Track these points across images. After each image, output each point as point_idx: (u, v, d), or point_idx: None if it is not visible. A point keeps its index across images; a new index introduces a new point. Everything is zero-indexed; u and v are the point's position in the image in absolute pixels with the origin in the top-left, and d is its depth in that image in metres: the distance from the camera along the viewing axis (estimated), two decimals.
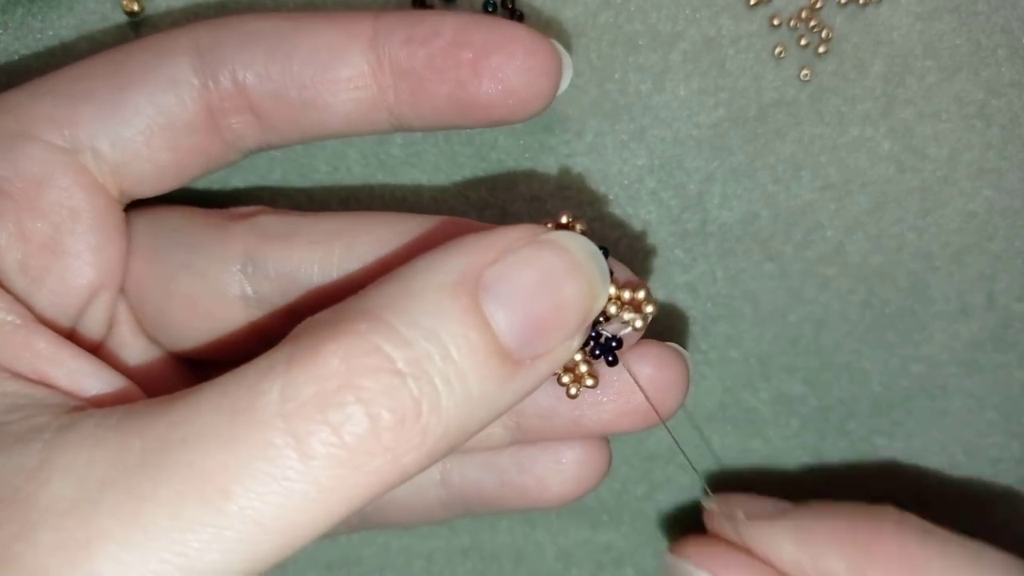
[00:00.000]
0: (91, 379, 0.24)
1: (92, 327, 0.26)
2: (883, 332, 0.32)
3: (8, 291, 0.25)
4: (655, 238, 0.31)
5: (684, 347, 0.32)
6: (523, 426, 0.27)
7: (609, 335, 0.24)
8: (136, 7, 0.30)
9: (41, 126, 0.25)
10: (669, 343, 0.27)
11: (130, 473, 0.20)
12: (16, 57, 0.30)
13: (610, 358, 0.24)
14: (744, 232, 0.31)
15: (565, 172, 0.31)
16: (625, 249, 0.31)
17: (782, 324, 0.32)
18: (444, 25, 0.25)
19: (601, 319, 0.24)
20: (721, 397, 0.33)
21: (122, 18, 0.30)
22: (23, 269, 0.25)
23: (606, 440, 0.28)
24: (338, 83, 0.25)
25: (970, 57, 0.30)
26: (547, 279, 0.21)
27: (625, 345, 0.24)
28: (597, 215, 0.31)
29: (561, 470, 0.27)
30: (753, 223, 0.31)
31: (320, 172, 0.31)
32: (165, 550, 0.19)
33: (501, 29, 0.25)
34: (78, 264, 0.25)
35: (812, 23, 0.30)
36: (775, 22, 0.30)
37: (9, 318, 0.24)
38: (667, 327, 0.32)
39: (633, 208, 0.31)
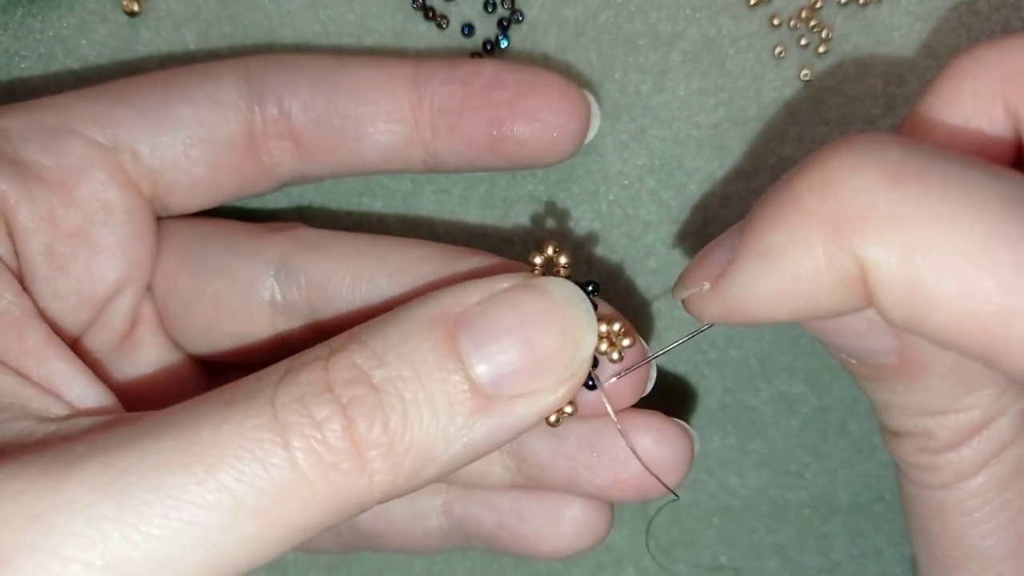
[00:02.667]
0: (74, 386, 0.24)
1: (115, 322, 0.27)
2: None
3: (27, 280, 0.25)
4: (655, 238, 0.31)
5: (684, 347, 0.32)
6: (523, 471, 0.27)
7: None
8: (136, 7, 0.30)
9: (84, 123, 0.26)
10: (675, 420, 0.27)
11: (114, 447, 0.20)
12: (16, 57, 0.30)
13: (590, 383, 0.24)
14: None
15: (565, 172, 0.31)
16: (625, 249, 0.31)
17: (782, 324, 0.32)
18: (482, 69, 0.27)
19: None
20: (721, 397, 0.33)
21: (122, 18, 0.30)
22: (48, 254, 0.25)
23: (609, 504, 0.28)
24: (379, 116, 0.27)
25: None
26: (524, 321, 0.22)
27: (604, 374, 0.25)
28: (597, 215, 0.31)
29: (559, 525, 0.28)
30: None
31: None
32: (134, 527, 0.19)
33: (536, 74, 0.27)
34: (105, 256, 0.26)
35: (812, 23, 0.30)
36: (775, 22, 0.30)
37: (11, 307, 0.24)
38: (667, 327, 0.32)
39: (633, 208, 0.31)
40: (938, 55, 0.30)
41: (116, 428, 0.21)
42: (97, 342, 0.27)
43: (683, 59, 0.30)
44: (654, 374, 0.26)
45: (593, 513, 0.28)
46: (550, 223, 0.31)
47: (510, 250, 0.31)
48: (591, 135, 0.28)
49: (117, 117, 0.26)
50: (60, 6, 0.30)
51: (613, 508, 0.28)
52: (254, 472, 0.20)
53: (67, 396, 0.24)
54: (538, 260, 0.24)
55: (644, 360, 0.25)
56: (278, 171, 0.27)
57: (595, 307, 0.24)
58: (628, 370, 0.25)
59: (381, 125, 0.27)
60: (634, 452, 0.26)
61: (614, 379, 0.25)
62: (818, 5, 0.29)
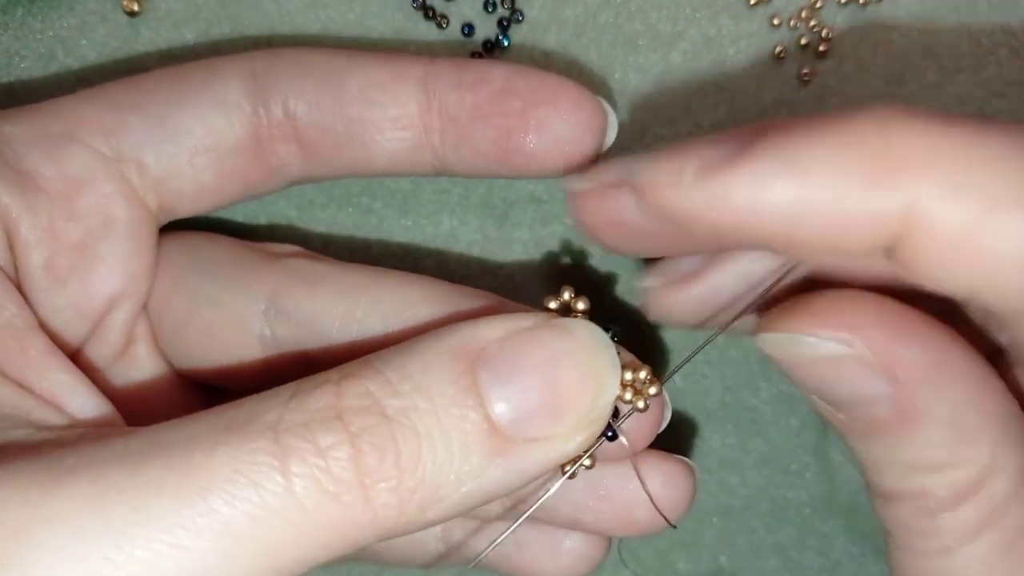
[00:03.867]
0: (75, 397, 0.24)
1: (111, 338, 0.26)
2: None
3: (24, 291, 0.25)
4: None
5: (684, 346, 0.32)
6: (521, 511, 0.26)
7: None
8: (136, 7, 0.30)
9: (89, 132, 0.25)
10: (677, 456, 0.27)
11: (105, 462, 0.19)
12: (16, 57, 0.30)
13: (609, 434, 0.23)
14: None
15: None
16: (665, 421, 0.31)
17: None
18: (493, 73, 0.26)
19: None
20: (721, 397, 0.33)
21: (122, 18, 0.30)
22: (48, 267, 0.25)
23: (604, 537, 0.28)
24: (386, 121, 0.26)
25: (970, 57, 0.30)
26: (547, 361, 0.21)
27: (625, 422, 0.24)
28: None
29: (557, 556, 0.27)
30: None
31: None
32: (118, 547, 0.18)
33: (550, 82, 0.26)
34: (103, 270, 0.26)
35: (812, 23, 0.30)
36: (775, 22, 0.30)
37: (14, 320, 0.24)
38: (666, 329, 0.32)
39: None
40: (938, 55, 0.30)
41: (111, 441, 0.20)
42: (93, 357, 0.26)
43: (683, 59, 0.30)
44: (668, 415, 0.26)
45: (591, 543, 0.27)
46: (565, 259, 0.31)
47: (511, 255, 0.31)
48: (608, 145, 0.27)
49: (123, 124, 0.26)
50: (60, 6, 0.30)
51: (608, 544, 0.28)
52: (246, 497, 0.19)
53: (68, 407, 0.24)
54: (553, 305, 0.23)
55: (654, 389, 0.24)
56: (284, 172, 0.27)
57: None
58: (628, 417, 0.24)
59: (388, 132, 0.26)
60: (656, 507, 0.25)
61: (626, 421, 0.24)
62: (818, 5, 0.29)
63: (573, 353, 0.21)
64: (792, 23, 0.30)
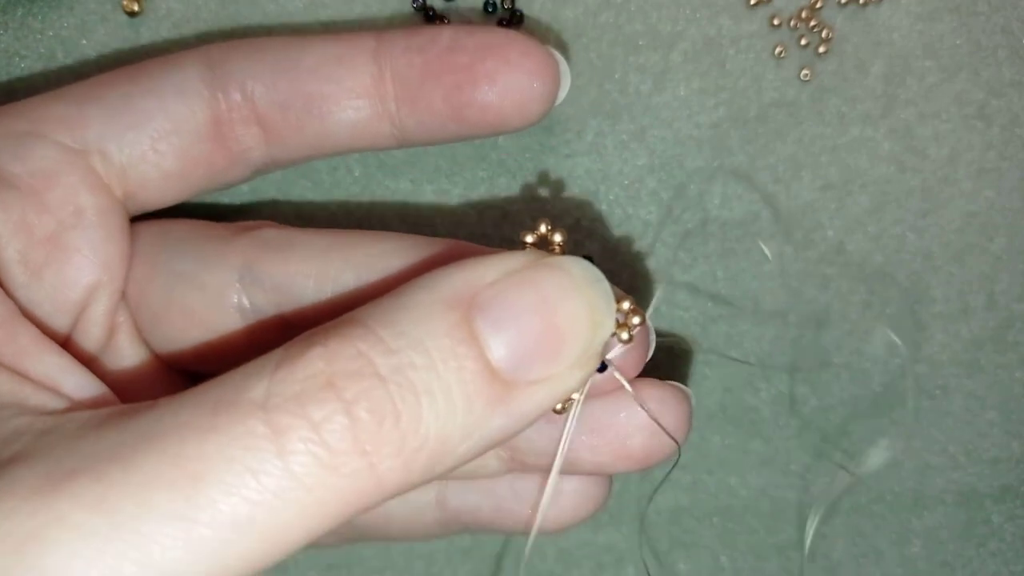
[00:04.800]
0: (70, 379, 0.24)
1: (92, 331, 0.26)
2: (883, 332, 0.32)
3: (4, 287, 0.25)
4: (655, 238, 0.31)
5: (685, 348, 0.32)
6: (518, 460, 0.26)
7: None
8: (136, 7, 0.30)
9: (52, 127, 0.25)
10: (671, 382, 0.26)
11: (102, 461, 0.19)
12: (16, 57, 0.30)
13: (598, 367, 0.23)
14: (744, 232, 0.31)
15: (565, 172, 0.31)
16: (625, 249, 0.31)
17: (782, 324, 0.32)
18: (441, 34, 0.26)
19: None
20: (721, 397, 0.33)
21: (122, 18, 0.30)
22: (23, 261, 0.25)
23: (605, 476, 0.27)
24: (342, 93, 0.26)
25: (970, 57, 0.30)
26: (544, 301, 0.21)
27: (614, 355, 0.24)
28: (597, 215, 0.31)
29: (560, 501, 0.27)
30: (753, 223, 0.31)
31: (320, 172, 0.31)
32: (128, 543, 0.18)
33: (496, 35, 0.26)
34: (78, 260, 0.26)
35: (812, 23, 0.30)
36: (775, 22, 0.30)
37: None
38: (667, 327, 0.32)
39: (633, 208, 0.31)
40: (938, 55, 0.30)
41: (107, 434, 0.20)
42: (77, 352, 0.26)
43: (683, 59, 0.30)
44: (654, 340, 0.25)
45: (591, 484, 0.27)
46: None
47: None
48: (562, 95, 0.27)
49: (84, 118, 0.26)
50: (60, 6, 0.30)
51: (610, 482, 0.27)
52: (244, 483, 0.18)
53: (65, 389, 0.23)
54: (530, 239, 0.23)
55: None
56: (248, 157, 0.27)
57: None
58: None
59: (344, 101, 0.26)
60: (657, 423, 0.25)
61: (620, 349, 0.24)
62: (818, 5, 0.29)
63: (568, 291, 0.21)
64: (792, 23, 0.30)
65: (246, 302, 0.26)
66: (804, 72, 0.30)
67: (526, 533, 0.28)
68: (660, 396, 0.25)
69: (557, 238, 0.23)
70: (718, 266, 0.31)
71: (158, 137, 0.26)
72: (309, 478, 0.19)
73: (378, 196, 0.31)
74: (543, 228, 0.23)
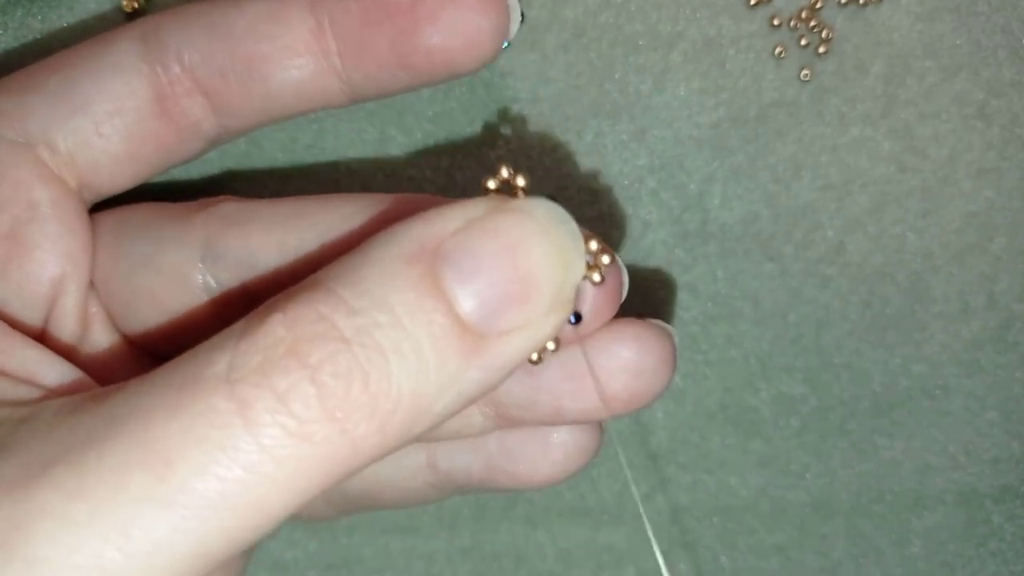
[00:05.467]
0: (45, 369, 0.23)
1: (66, 323, 0.26)
2: (883, 332, 0.32)
3: None
4: (655, 238, 0.31)
5: (684, 347, 0.32)
6: (503, 415, 0.26)
7: None
8: (136, 6, 0.30)
9: None
10: (652, 320, 0.25)
11: (77, 448, 0.19)
12: (16, 57, 0.30)
13: (572, 319, 0.22)
14: (744, 232, 0.31)
15: (565, 172, 0.31)
16: (625, 249, 0.31)
17: (782, 324, 0.32)
18: None
19: None
20: (721, 397, 0.33)
21: (122, 18, 0.30)
22: None
23: (595, 423, 0.27)
24: (280, 52, 0.25)
25: (970, 57, 0.30)
26: (510, 247, 0.20)
27: (588, 301, 0.23)
28: (597, 215, 0.31)
29: (550, 453, 0.26)
30: (753, 223, 0.31)
31: (321, 178, 0.31)
32: (109, 527, 0.18)
33: None
34: (39, 255, 0.25)
35: (812, 23, 0.30)
36: (775, 22, 0.30)
37: None
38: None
39: (633, 208, 0.31)
40: (938, 55, 0.30)
41: (82, 420, 0.20)
42: (52, 345, 0.26)
43: (683, 59, 0.30)
44: (626, 280, 0.24)
45: (581, 433, 0.27)
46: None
47: None
48: (513, 30, 0.25)
49: (24, 109, 0.25)
50: (60, 6, 0.30)
51: (600, 431, 0.27)
52: (216, 461, 0.18)
53: (41, 379, 0.23)
54: (492, 184, 0.22)
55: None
56: (198, 129, 0.26)
57: None
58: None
59: (285, 61, 0.25)
60: (596, 381, 0.24)
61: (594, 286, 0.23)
62: (818, 5, 0.29)
63: (535, 235, 0.20)
64: (792, 23, 0.30)
65: (211, 280, 0.26)
66: (804, 72, 0.30)
67: (520, 490, 0.27)
68: (639, 337, 0.24)
69: (520, 182, 0.22)
70: (718, 266, 0.31)
71: (101, 120, 0.25)
72: (280, 450, 0.18)
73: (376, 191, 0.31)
74: (504, 172, 0.22)
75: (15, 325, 0.25)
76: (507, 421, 0.26)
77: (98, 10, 0.30)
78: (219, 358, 0.19)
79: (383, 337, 0.19)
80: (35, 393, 0.23)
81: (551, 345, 0.22)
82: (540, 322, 0.20)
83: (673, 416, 0.33)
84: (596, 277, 0.22)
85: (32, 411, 0.21)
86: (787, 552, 0.34)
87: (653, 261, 0.31)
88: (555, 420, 0.25)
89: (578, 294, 0.22)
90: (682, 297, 0.32)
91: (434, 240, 0.20)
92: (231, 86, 0.25)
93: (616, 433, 0.33)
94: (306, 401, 0.18)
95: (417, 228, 0.20)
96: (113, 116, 0.25)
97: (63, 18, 0.30)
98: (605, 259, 0.22)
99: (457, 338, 0.19)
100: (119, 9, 0.30)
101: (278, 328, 0.19)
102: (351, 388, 0.19)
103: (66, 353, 0.26)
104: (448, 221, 0.20)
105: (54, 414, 0.20)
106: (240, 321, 0.20)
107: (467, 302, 0.19)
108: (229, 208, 0.26)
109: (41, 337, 0.26)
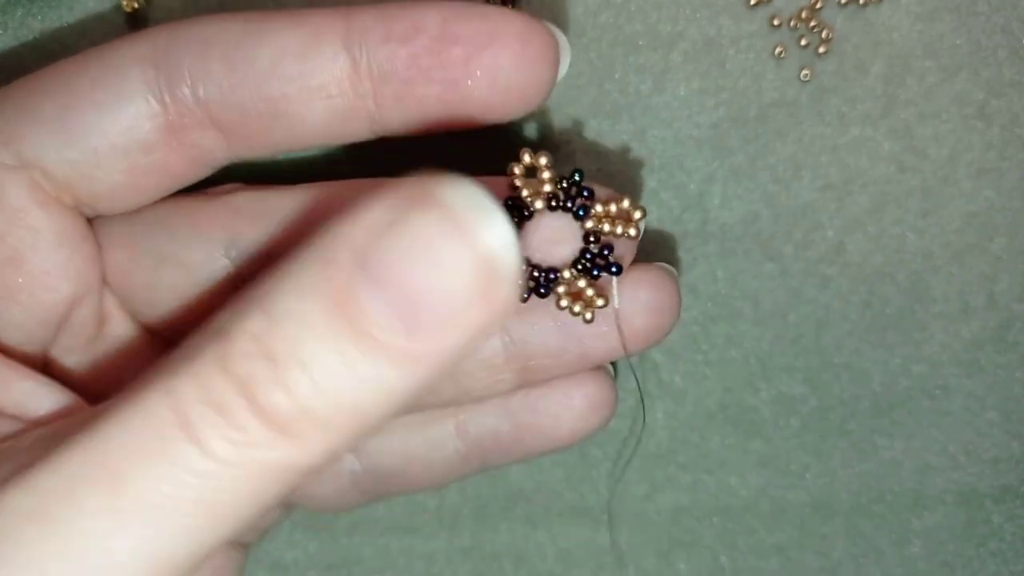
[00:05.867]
0: (39, 399, 0.23)
1: (81, 330, 0.26)
2: (883, 332, 0.32)
3: None
4: (655, 238, 0.31)
5: (684, 347, 0.32)
6: (531, 367, 0.26)
7: (596, 251, 0.24)
8: (136, 7, 0.30)
9: None
10: (658, 264, 0.27)
11: (34, 470, 0.19)
12: (16, 57, 0.30)
13: (613, 269, 0.24)
14: (744, 232, 0.31)
15: (565, 173, 0.31)
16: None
17: (782, 324, 0.32)
18: (426, 19, 0.23)
19: (592, 238, 0.24)
20: (721, 397, 0.33)
21: (122, 18, 0.30)
22: None
23: (610, 376, 0.28)
24: (309, 93, 0.23)
25: (970, 57, 0.30)
26: (423, 249, 0.19)
27: (624, 255, 0.25)
28: None
29: (572, 406, 0.27)
30: (753, 223, 0.31)
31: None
32: (64, 543, 0.18)
33: (491, 18, 0.23)
34: (48, 280, 0.25)
35: (812, 23, 0.30)
36: (775, 22, 0.30)
37: None
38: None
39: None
40: (938, 55, 0.30)
41: (47, 443, 0.20)
42: (65, 348, 0.26)
43: (683, 59, 0.30)
44: (643, 223, 0.25)
45: (599, 386, 0.28)
46: None
47: None
48: (562, 74, 0.24)
49: (19, 132, 0.24)
50: (60, 6, 0.30)
51: (616, 386, 0.28)
52: (166, 472, 0.18)
53: (35, 411, 0.23)
54: (517, 170, 0.23)
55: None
56: (210, 159, 0.25)
57: (592, 193, 0.24)
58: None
59: (314, 104, 0.23)
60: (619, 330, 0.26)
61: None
62: (818, 5, 0.29)
63: (450, 234, 0.19)
64: (792, 23, 0.30)
65: (233, 271, 0.26)
66: (804, 72, 0.30)
67: (546, 450, 0.28)
68: (652, 279, 0.26)
69: (543, 161, 0.23)
70: (718, 266, 0.31)
71: (102, 154, 0.24)
72: (230, 456, 0.19)
73: None
74: (527, 158, 0.23)
75: (16, 351, 0.25)
76: (534, 374, 0.27)
77: (98, 10, 0.30)
78: (163, 377, 0.19)
79: (305, 351, 0.19)
80: (18, 426, 0.23)
81: (600, 302, 0.24)
82: (474, 315, 0.19)
83: (673, 416, 0.33)
84: (632, 232, 0.24)
85: (11, 443, 0.21)
86: (787, 552, 0.34)
87: (653, 261, 0.31)
88: (581, 366, 0.27)
89: (620, 250, 0.24)
90: (682, 297, 0.32)
91: (348, 251, 0.19)
92: (250, 124, 0.24)
93: (616, 433, 0.33)
94: (242, 412, 0.19)
95: (330, 238, 0.19)
96: (116, 150, 0.24)
97: (63, 18, 0.30)
98: (637, 214, 0.24)
99: (382, 347, 0.19)
100: (119, 9, 0.30)
101: (216, 347, 0.19)
102: (280, 399, 0.19)
103: (81, 349, 0.26)
104: (359, 230, 0.19)
105: (32, 442, 0.21)
106: (185, 342, 0.20)
107: (386, 317, 0.19)
108: (243, 199, 0.26)
109: (46, 357, 0.26)
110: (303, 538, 0.34)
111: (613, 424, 0.32)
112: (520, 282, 0.20)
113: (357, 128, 0.24)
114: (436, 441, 0.28)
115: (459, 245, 0.19)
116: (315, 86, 0.23)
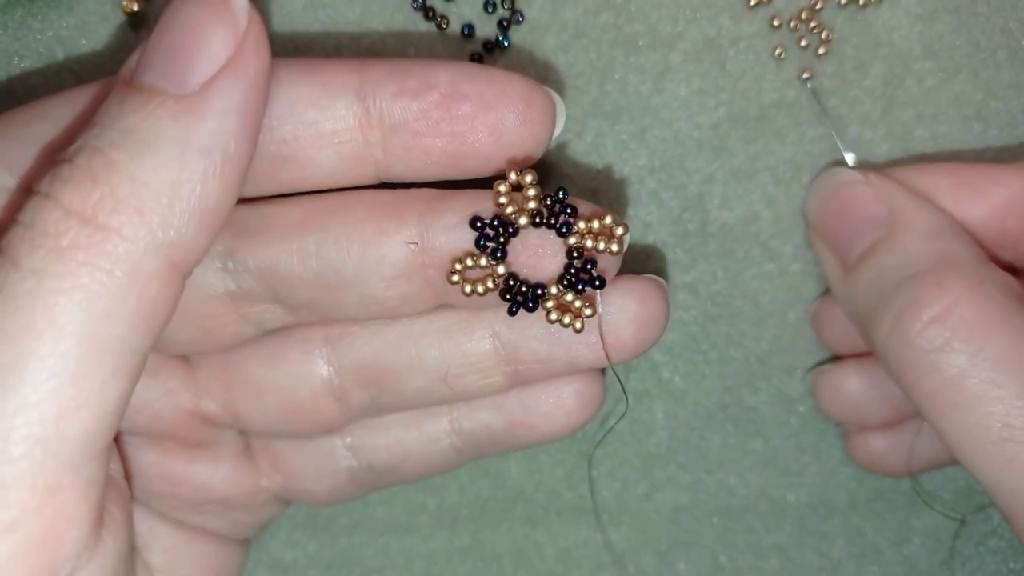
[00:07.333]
0: None
1: None
2: None
3: None
4: (655, 238, 0.31)
5: (684, 346, 0.32)
6: (521, 372, 0.27)
7: (579, 266, 0.25)
8: (136, 7, 0.30)
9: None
10: (648, 275, 0.28)
11: None
12: (16, 57, 0.30)
13: (597, 283, 0.25)
14: (744, 232, 0.31)
15: (565, 172, 0.31)
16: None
17: (782, 324, 0.32)
18: (437, 77, 0.25)
19: (575, 254, 0.25)
20: (721, 397, 0.33)
21: (122, 18, 0.30)
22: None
23: (599, 372, 0.29)
24: (321, 138, 0.25)
25: (969, 59, 0.30)
26: (170, 18, 0.22)
27: (608, 269, 0.25)
28: None
29: (563, 403, 0.29)
30: (753, 223, 0.31)
31: None
32: None
33: (497, 81, 0.25)
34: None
35: (812, 24, 0.30)
36: (775, 23, 0.30)
37: None
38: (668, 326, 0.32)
39: (633, 208, 0.31)
40: (937, 56, 0.30)
41: None
42: None
43: (683, 59, 0.30)
44: (626, 239, 0.26)
45: (588, 384, 0.29)
46: None
47: None
48: (556, 133, 0.26)
49: (26, 159, 0.25)
50: (60, 6, 0.30)
51: (604, 379, 0.29)
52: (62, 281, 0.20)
53: None
54: (503, 188, 0.25)
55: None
56: None
57: (576, 210, 0.25)
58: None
59: (324, 148, 0.25)
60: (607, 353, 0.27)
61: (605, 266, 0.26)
62: (818, 6, 0.30)
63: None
64: (792, 24, 0.30)
65: (233, 286, 0.26)
66: (804, 73, 0.30)
67: (539, 443, 0.29)
68: (641, 289, 0.27)
69: (528, 179, 0.25)
70: (718, 266, 0.31)
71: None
72: (59, 267, 0.21)
73: None
74: (513, 176, 0.25)
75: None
76: (524, 377, 0.28)
77: (98, 10, 0.30)
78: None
79: (98, 142, 0.21)
80: None
81: (588, 312, 0.25)
82: (242, 58, 0.22)
83: (673, 416, 0.33)
84: (615, 248, 0.25)
85: None
86: (787, 552, 0.34)
87: (653, 261, 0.31)
88: (569, 370, 0.27)
89: (604, 264, 0.25)
90: (682, 297, 0.32)
91: (132, 62, 0.23)
92: (260, 161, 0.25)
93: (617, 433, 0.33)
94: (51, 220, 0.21)
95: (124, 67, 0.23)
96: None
97: (63, 18, 0.30)
98: (619, 231, 0.25)
99: (164, 109, 0.21)
100: (119, 9, 0.30)
101: (45, 185, 0.21)
102: (83, 195, 0.21)
103: None
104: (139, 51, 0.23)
105: None
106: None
107: (152, 76, 0.22)
108: (242, 216, 0.26)
109: None
110: (303, 538, 0.34)
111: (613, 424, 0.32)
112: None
113: (363, 173, 0.26)
114: (431, 437, 0.29)
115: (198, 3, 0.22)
116: (328, 131, 0.25)
